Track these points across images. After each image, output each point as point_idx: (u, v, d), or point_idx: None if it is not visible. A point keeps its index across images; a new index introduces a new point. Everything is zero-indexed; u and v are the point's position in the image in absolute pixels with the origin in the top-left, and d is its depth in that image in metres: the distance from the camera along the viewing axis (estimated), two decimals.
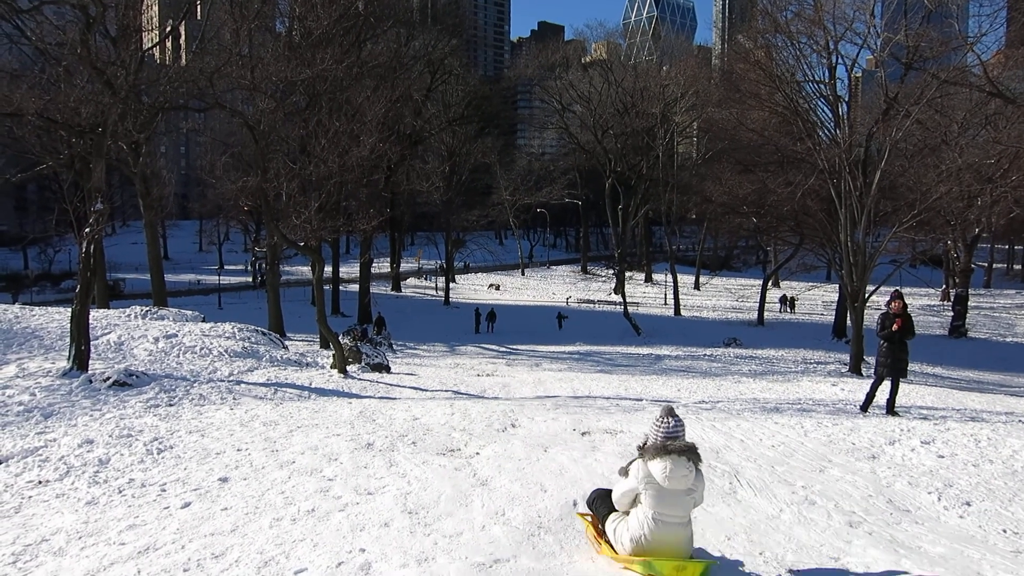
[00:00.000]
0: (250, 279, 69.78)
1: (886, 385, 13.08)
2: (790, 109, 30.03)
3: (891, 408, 12.64)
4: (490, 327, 45.32)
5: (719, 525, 5.70)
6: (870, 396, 12.92)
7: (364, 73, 34.94)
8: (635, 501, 4.60)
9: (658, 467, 4.44)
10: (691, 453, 4.49)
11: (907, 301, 13.13)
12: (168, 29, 35.60)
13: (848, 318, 33.42)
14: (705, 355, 32.74)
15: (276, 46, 29.92)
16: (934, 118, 29.49)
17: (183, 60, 42.72)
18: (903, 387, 20.37)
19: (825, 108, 31.04)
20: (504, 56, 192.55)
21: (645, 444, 4.63)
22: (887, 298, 13.19)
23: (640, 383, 21.24)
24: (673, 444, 4.47)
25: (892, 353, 12.44)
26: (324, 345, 28.36)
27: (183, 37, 51.38)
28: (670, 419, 4.57)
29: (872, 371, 15.25)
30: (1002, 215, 42.68)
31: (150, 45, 33.32)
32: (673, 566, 4.38)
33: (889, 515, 5.94)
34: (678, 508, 4.49)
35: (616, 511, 4.82)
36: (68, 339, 14.54)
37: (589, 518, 5.23)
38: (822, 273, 70.80)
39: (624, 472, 4.74)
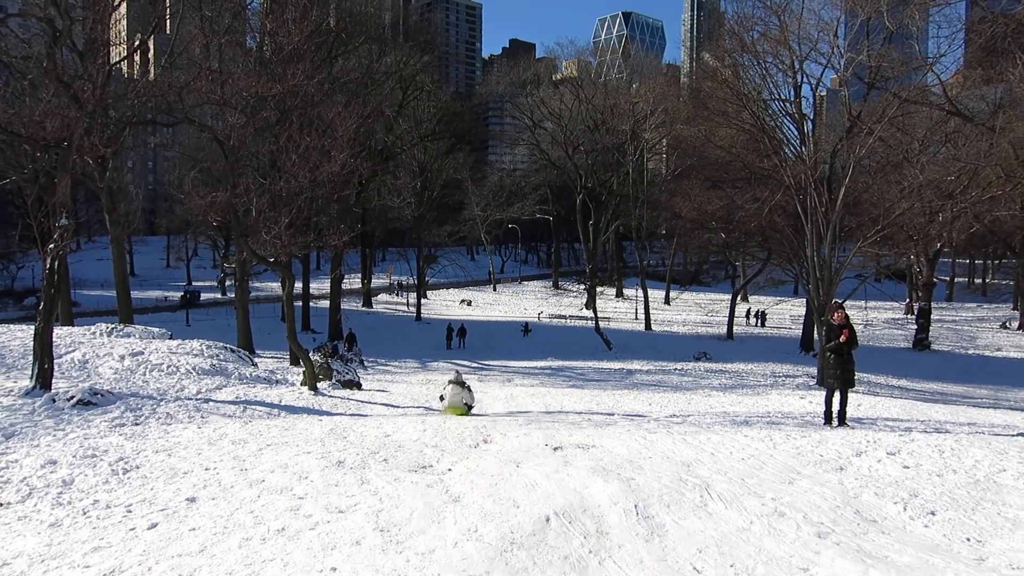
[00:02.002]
0: (218, 295, 68.97)
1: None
2: (757, 126, 30.53)
3: (843, 418, 12.78)
4: (461, 343, 45.23)
5: (690, 538, 5.72)
6: (827, 408, 13.08)
7: (335, 89, 34.87)
8: (442, 398, 15.24)
9: (448, 389, 15.17)
10: (459, 383, 15.22)
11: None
12: (136, 43, 35.18)
13: (815, 331, 33.93)
14: (676, 369, 32.95)
15: (247, 61, 29.76)
16: (896, 136, 30.20)
17: (152, 74, 42.29)
18: (868, 399, 20.75)
19: (791, 126, 31.66)
20: (476, 73, 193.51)
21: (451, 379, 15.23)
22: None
23: (611, 398, 21.30)
24: (454, 378, 15.35)
25: (840, 364, 12.62)
26: (294, 362, 28.05)
27: (152, 51, 50.94)
28: (453, 374, 15.77)
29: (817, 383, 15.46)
30: (963, 230, 43.70)
31: (118, 59, 32.88)
32: (454, 411, 14.75)
33: (857, 525, 6.01)
34: (456, 399, 14.95)
35: (443, 400, 15.19)
36: (31, 357, 14.23)
37: (445, 403, 15.15)
38: (790, 287, 71.88)
39: (441, 396, 15.49)
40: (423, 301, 63.88)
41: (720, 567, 5.16)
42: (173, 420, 12.50)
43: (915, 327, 48.92)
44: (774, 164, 29.37)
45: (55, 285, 14.25)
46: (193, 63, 28.35)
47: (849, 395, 13.22)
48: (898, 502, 6.61)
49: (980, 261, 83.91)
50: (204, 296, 66.73)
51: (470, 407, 15.19)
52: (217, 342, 23.57)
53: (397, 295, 74.63)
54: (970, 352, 46.38)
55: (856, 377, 13.25)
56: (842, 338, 12.51)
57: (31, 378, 13.64)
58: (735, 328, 52.57)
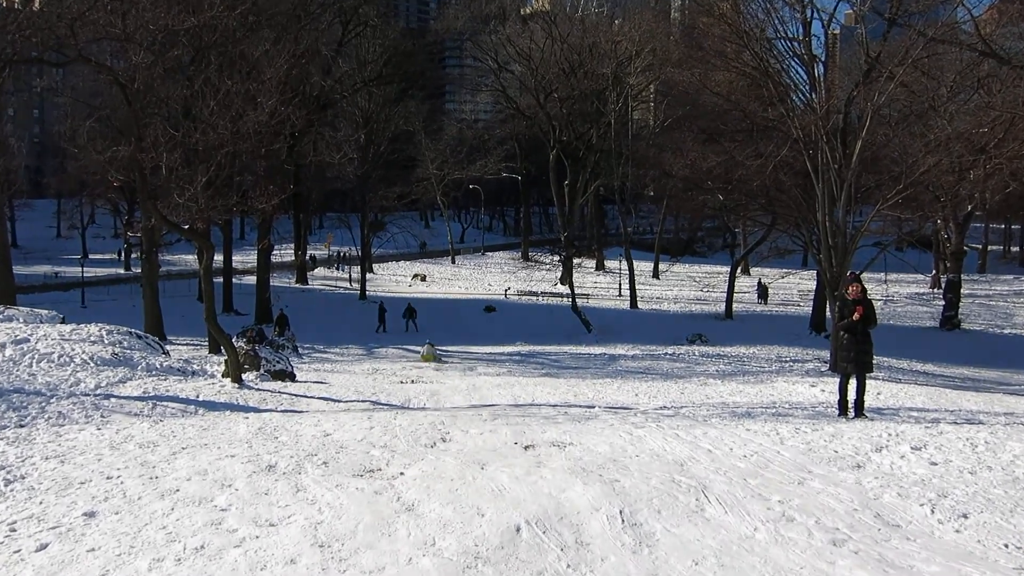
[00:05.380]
0: (121, 270, 67.92)
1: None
2: (760, 70, 30.60)
3: (860, 409, 12.94)
4: (408, 325, 45.25)
5: (684, 549, 5.76)
6: (842, 397, 13.23)
7: (262, 23, 34.29)
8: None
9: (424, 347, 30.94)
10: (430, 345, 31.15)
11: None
12: None
13: (827, 309, 34.40)
14: (666, 354, 33.27)
15: None
16: (920, 81, 30.44)
17: (36, 2, 41.07)
18: (889, 387, 21.16)
19: (799, 69, 31.79)
20: (430, 5, 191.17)
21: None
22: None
23: (592, 388, 21.49)
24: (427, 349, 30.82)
25: (855, 345, 12.72)
26: (214, 349, 27.85)
27: None
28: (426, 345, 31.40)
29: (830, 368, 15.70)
30: (997, 190, 44.35)
31: None
32: (427, 357, 30.23)
33: (877, 531, 6.10)
34: (431, 349, 30.89)
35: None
36: None
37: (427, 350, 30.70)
38: (797, 258, 72.55)
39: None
40: (369, 276, 63.59)
41: None
42: (67, 420, 12.30)
43: (942, 303, 49.76)
44: (779, 114, 29.52)
45: None
46: None
47: (867, 382, 13.40)
48: (924, 504, 6.71)
49: (1017, 226, 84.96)
50: (103, 272, 65.61)
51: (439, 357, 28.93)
52: (120, 327, 23.24)
53: (338, 269, 74.18)
54: (1006, 332, 47.36)
55: (875, 361, 13.42)
56: (856, 315, 12.63)
57: None
58: (735, 306, 53.15)
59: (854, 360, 12.77)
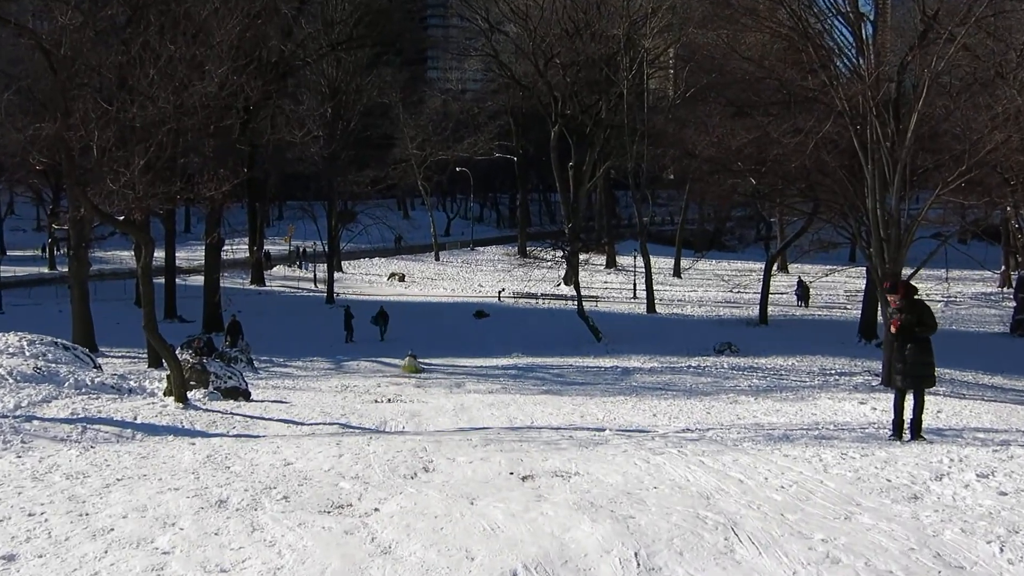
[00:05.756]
0: (44, 269, 67.79)
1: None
2: (798, 30, 30.56)
3: (917, 430, 12.96)
4: (381, 334, 45.26)
5: None
6: (897, 416, 13.22)
7: None
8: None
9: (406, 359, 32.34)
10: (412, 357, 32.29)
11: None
12: None
13: (879, 312, 34.42)
14: (690, 367, 33.31)
15: None
16: (986, 44, 30.48)
17: None
18: (951, 403, 21.20)
19: (844, 29, 31.80)
20: None
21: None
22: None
23: (601, 407, 21.53)
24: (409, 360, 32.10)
25: (912, 355, 12.72)
26: (155, 363, 27.83)
27: None
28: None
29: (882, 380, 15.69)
30: None
31: None
32: (408, 369, 31.62)
33: (937, 574, 6.09)
34: (412, 361, 32.01)
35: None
36: None
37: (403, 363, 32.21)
38: (844, 252, 72.70)
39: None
40: (337, 276, 63.67)
41: None
42: None
43: (1013, 305, 49.85)
44: (821, 82, 29.51)
45: None
46: None
47: (926, 398, 13.40)
48: (992, 541, 6.71)
49: None
50: (24, 271, 65.51)
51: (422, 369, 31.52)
52: (44, 336, 23.28)
53: (300, 268, 74.22)
54: None
55: (936, 373, 13.42)
56: (892, 328, 12.65)
57: None
58: (771, 309, 53.20)
59: (909, 373, 12.76)
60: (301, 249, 76.61)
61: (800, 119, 32.86)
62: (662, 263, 69.66)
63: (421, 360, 32.20)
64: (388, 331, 45.69)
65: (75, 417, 15.76)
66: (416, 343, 36.49)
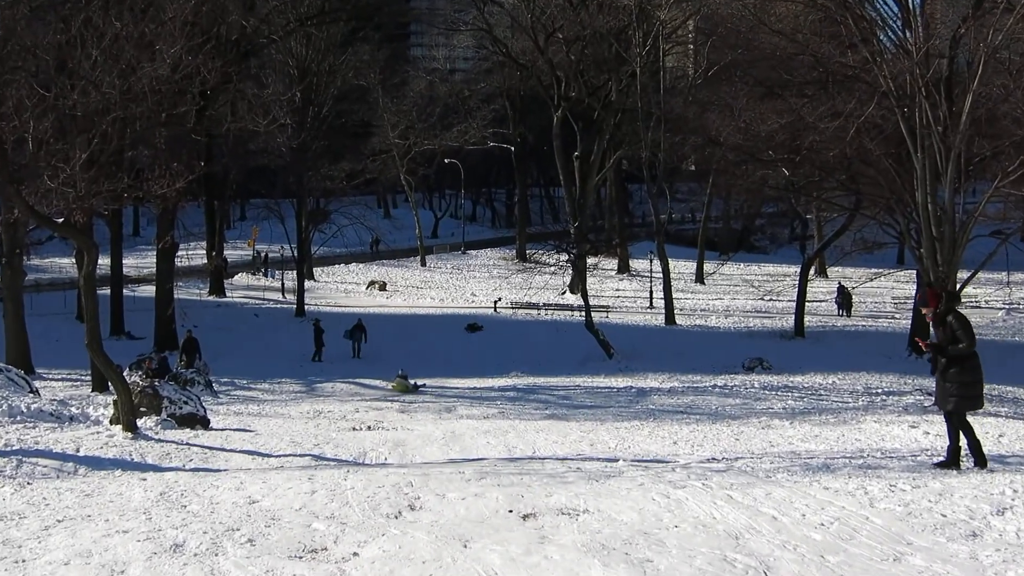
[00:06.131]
0: None
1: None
2: (835, 0, 30.85)
3: (978, 457, 12.83)
4: (356, 350, 45.51)
5: None
6: (953, 444, 13.20)
7: None
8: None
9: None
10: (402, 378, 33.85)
11: (1015, 295, 13.55)
12: None
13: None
14: (715, 387, 33.37)
15: None
16: None
17: None
18: (1015, 426, 21.28)
19: None
20: None
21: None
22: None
23: (614, 434, 21.52)
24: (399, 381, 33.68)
25: (956, 374, 12.69)
26: (99, 386, 27.83)
27: None
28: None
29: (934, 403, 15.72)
30: None
31: None
32: (398, 388, 33.08)
33: None
34: (403, 380, 33.32)
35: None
36: None
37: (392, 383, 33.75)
38: (891, 254, 72.58)
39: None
40: (308, 285, 63.49)
41: None
42: None
43: None
44: (862, 59, 29.70)
45: None
46: None
47: (972, 420, 13.34)
48: None
49: None
50: None
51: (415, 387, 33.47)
52: None
53: (266, 275, 73.80)
54: None
55: (984, 391, 13.44)
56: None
57: None
58: (808, 319, 53.22)
59: (953, 393, 12.72)
60: (265, 255, 76.19)
61: (839, 101, 33.05)
62: (682, 267, 69.57)
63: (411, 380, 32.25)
64: (364, 346, 45.87)
65: (8, 449, 15.66)
66: (399, 361, 36.41)
